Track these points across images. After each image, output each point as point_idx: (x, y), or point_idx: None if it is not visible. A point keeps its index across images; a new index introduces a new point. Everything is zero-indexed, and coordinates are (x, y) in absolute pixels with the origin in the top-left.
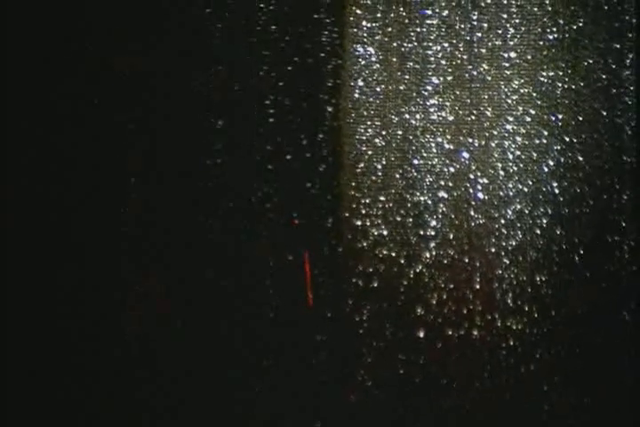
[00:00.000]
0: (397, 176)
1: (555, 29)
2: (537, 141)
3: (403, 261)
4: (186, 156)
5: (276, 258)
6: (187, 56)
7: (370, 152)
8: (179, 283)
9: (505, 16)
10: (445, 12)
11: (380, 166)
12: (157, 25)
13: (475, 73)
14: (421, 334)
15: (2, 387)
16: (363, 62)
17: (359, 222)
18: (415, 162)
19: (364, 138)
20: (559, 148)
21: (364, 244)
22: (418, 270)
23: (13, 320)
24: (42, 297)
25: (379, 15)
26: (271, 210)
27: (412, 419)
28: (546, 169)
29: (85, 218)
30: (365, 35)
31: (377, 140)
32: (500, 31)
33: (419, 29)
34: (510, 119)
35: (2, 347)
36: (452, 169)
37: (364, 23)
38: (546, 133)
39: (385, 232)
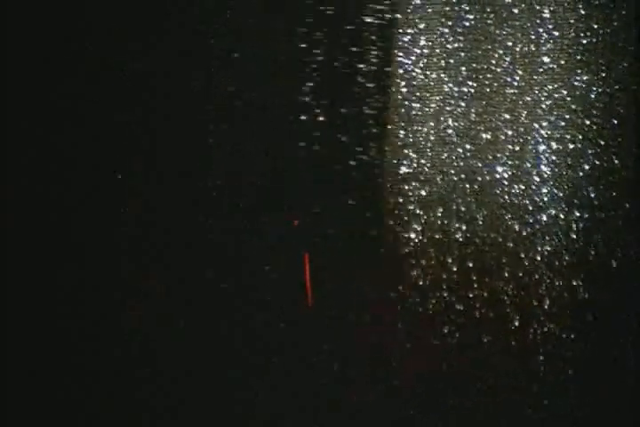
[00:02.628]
0: (435, 181)
1: (588, 34)
2: (572, 146)
3: (437, 266)
4: (186, 156)
5: (276, 258)
6: (188, 56)
7: (401, 157)
8: (179, 283)
9: (538, 21)
10: (480, 19)
11: (413, 171)
12: (159, 25)
13: (509, 79)
14: (454, 340)
15: (2, 387)
16: (403, 68)
17: (396, 227)
18: (451, 167)
19: (401, 144)
20: (594, 152)
21: (398, 248)
22: (452, 275)
23: (13, 320)
24: (42, 297)
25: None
26: (273, 209)
27: (423, 418)
28: (581, 173)
29: (85, 218)
30: (408, 40)
31: (413, 146)
32: (533, 37)
33: (454, 37)
34: (545, 124)
35: (2, 347)
36: (486, 175)
37: (408, 30)
38: (581, 138)
39: (420, 237)
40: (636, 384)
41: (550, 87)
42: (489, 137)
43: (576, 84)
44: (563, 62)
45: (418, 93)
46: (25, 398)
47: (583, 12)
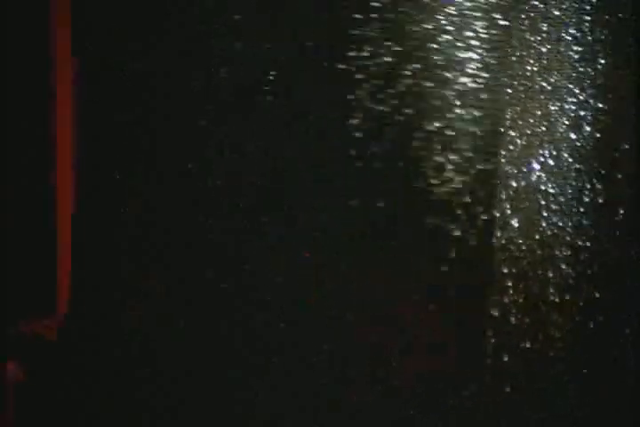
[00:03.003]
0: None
1: (627, 38)
2: (606, 150)
3: (472, 271)
4: (186, 156)
5: (276, 258)
6: (188, 56)
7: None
8: (179, 283)
9: (574, 25)
10: (515, 24)
11: (448, 175)
12: (159, 25)
13: (544, 84)
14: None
15: (2, 387)
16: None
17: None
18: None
19: (436, 151)
20: (633, 157)
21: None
22: (486, 280)
23: (13, 320)
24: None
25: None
26: (273, 209)
27: (423, 418)
28: (615, 178)
29: (85, 218)
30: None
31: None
32: (570, 41)
33: (489, 44)
34: (580, 129)
35: (2, 347)
36: (522, 180)
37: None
38: (617, 143)
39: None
40: (636, 384)
41: (586, 93)
42: (524, 143)
43: (612, 88)
44: (599, 67)
45: (454, 99)
46: (25, 398)
47: (621, 15)
